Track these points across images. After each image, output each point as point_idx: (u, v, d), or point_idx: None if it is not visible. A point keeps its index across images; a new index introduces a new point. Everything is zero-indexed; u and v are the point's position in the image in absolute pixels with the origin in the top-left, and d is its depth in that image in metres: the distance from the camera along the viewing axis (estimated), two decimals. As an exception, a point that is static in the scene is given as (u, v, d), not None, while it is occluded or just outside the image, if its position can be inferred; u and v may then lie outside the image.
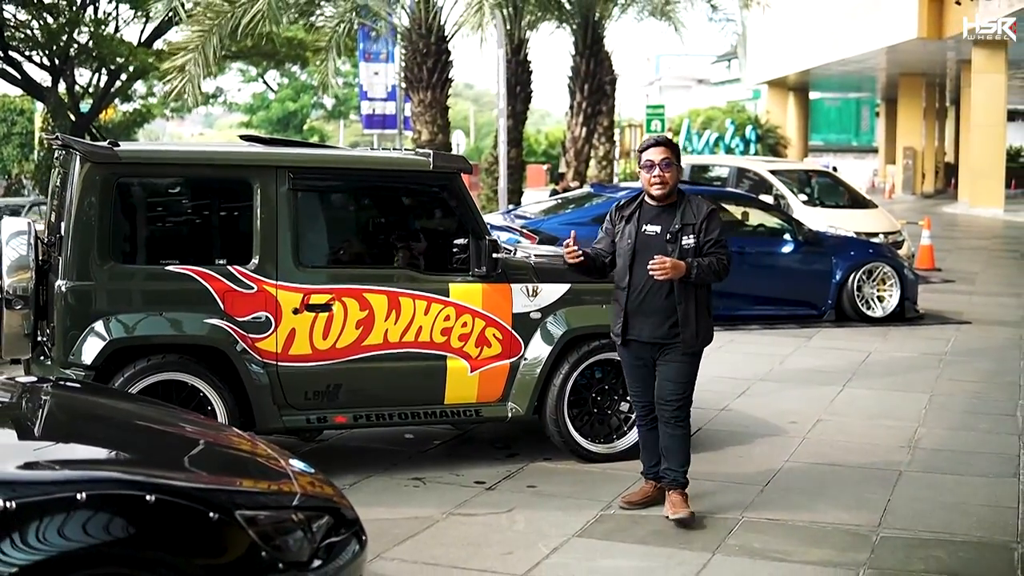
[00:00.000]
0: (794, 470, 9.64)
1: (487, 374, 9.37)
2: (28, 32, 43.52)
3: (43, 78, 45.33)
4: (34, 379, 7.22)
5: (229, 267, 8.79)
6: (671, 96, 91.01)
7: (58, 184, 9.59)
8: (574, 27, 31.64)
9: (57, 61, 43.89)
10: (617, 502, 8.52)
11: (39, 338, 9.19)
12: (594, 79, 31.60)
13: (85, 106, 46.62)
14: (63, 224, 8.74)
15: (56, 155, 10.01)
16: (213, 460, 5.61)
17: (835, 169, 34.40)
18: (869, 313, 17.67)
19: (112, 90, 46.87)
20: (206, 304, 8.71)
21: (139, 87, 53.11)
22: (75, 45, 43.16)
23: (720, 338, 15.36)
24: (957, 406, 12.15)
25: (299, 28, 28.34)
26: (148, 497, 4.68)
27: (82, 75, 46.97)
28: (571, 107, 32.02)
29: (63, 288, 8.58)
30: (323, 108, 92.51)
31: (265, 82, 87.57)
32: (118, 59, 44.11)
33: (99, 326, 8.56)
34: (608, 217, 8.51)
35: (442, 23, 27.89)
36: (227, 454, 5.74)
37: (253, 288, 8.79)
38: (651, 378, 8.31)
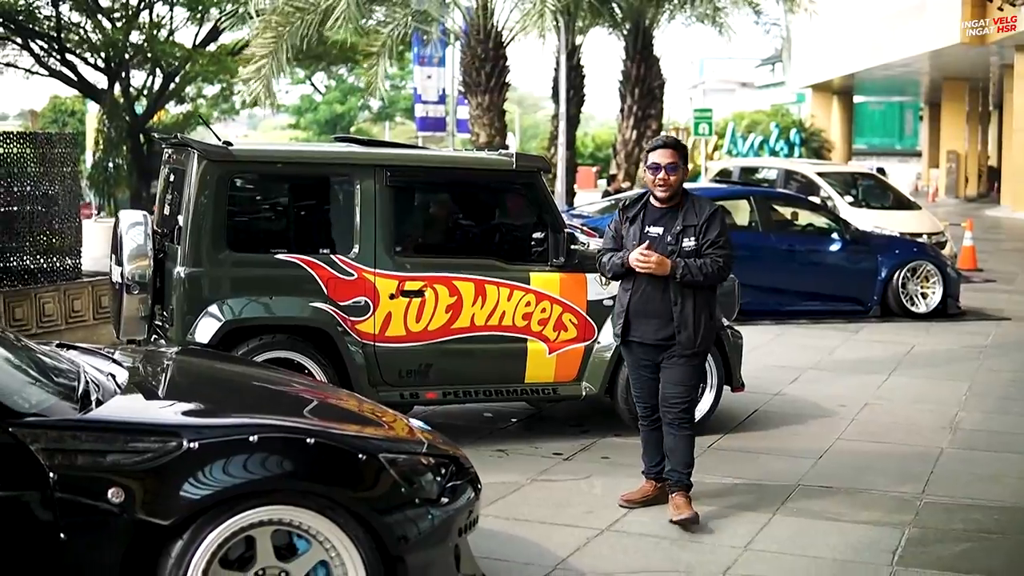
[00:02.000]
0: (844, 446, 10.48)
1: (564, 356, 10.26)
2: (82, 34, 44.50)
3: (96, 79, 46.34)
4: (176, 347, 8.19)
5: (332, 256, 9.71)
6: (714, 99, 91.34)
7: (170, 180, 10.52)
8: (625, 32, 32.42)
9: (113, 64, 44.85)
10: (618, 500, 8.59)
11: (154, 321, 10.12)
12: (644, 83, 32.33)
13: (139, 108, 47.60)
14: (181, 216, 9.65)
15: (165, 154, 10.93)
16: (351, 415, 6.52)
17: (883, 171, 35.03)
18: (913, 309, 18.42)
19: (166, 92, 47.86)
20: (311, 289, 9.63)
21: (190, 89, 54.08)
22: (130, 48, 44.10)
23: (771, 331, 16.33)
24: (994, 393, 12.96)
25: (350, 31, 29.18)
26: (308, 440, 5.60)
27: (135, 77, 47.97)
28: (621, 110, 32.76)
29: (182, 274, 9.50)
30: (369, 110, 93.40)
31: (313, 84, 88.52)
32: (173, 61, 45.08)
33: (214, 309, 9.48)
34: (613, 220, 8.56)
35: (499, 29, 28.73)
36: (359, 412, 6.64)
37: (353, 275, 9.69)
38: (654, 380, 8.36)
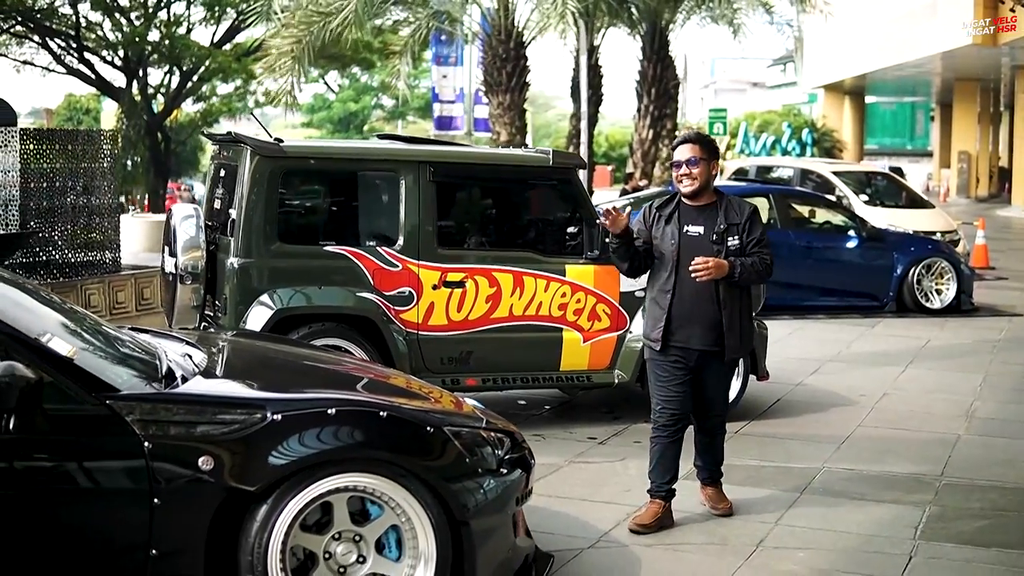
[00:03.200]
0: (865, 432, 10.94)
1: (597, 345, 10.73)
2: (100, 32, 44.98)
3: (113, 77, 46.83)
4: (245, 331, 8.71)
5: (378, 248, 10.19)
6: (725, 99, 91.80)
7: (220, 175, 11.00)
8: (642, 33, 32.85)
9: (132, 62, 45.32)
10: (627, 524, 8.07)
11: (205, 310, 10.59)
12: (660, 83, 32.76)
13: (155, 106, 48.09)
14: (234, 209, 10.13)
15: (214, 151, 11.42)
16: (409, 392, 7.00)
17: (900, 171, 35.43)
18: (927, 305, 18.87)
19: (184, 90, 48.35)
20: (358, 280, 10.11)
21: (207, 88, 54.54)
22: (149, 46, 44.56)
23: (790, 325, 16.78)
24: (1008, 384, 13.42)
25: (366, 32, 29.78)
26: (381, 413, 6.08)
27: (152, 75, 48.45)
28: (638, 110, 33.19)
29: (235, 265, 9.98)
30: (382, 108, 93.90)
31: (326, 83, 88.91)
32: (192, 60, 45.58)
33: (266, 298, 9.97)
34: (641, 217, 8.24)
35: (520, 29, 29.19)
36: (415, 390, 7.11)
37: (398, 266, 10.16)
38: (688, 387, 8.08)
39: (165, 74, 48.64)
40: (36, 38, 43.96)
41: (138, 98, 46.61)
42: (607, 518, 8.19)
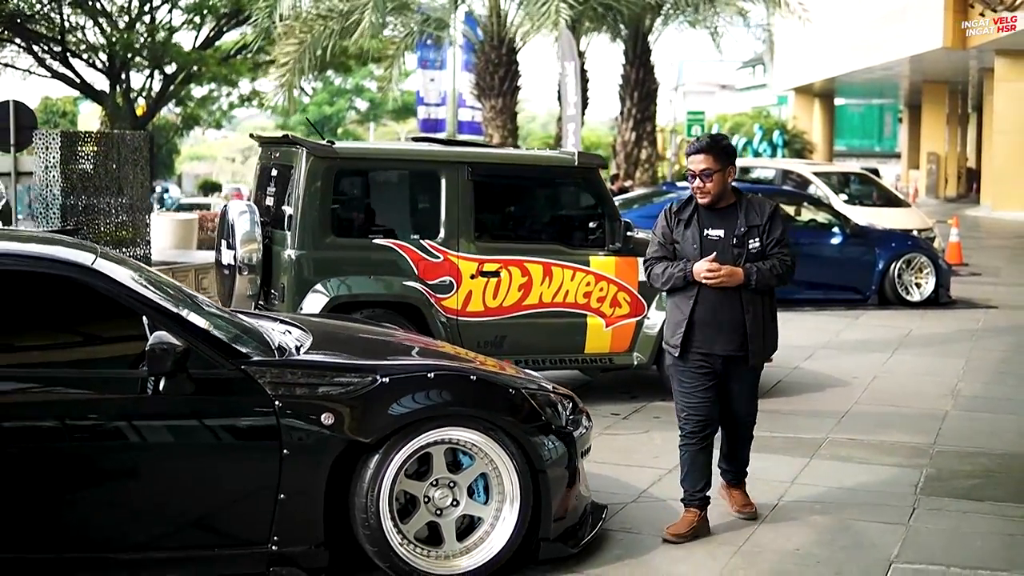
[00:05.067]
0: (861, 409, 12.02)
1: (618, 330, 11.77)
2: (82, 36, 45.69)
3: (93, 79, 47.55)
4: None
5: (421, 241, 11.22)
6: (695, 102, 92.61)
7: (271, 175, 12.00)
8: (624, 38, 33.89)
9: (116, 65, 46.05)
10: (663, 534, 7.90)
11: (259, 300, 11.57)
12: (643, 87, 33.85)
13: (137, 110, 48.82)
14: (289, 206, 11.13)
15: (265, 152, 12.41)
16: (468, 360, 8.00)
17: (876, 172, 36.58)
18: (908, 298, 19.95)
19: (167, 94, 49.17)
20: (404, 270, 11.13)
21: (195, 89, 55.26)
22: (135, 49, 45.28)
23: (780, 317, 17.65)
24: (989, 368, 14.52)
25: (375, 41, 30.83)
26: (472, 376, 7.12)
27: (134, 79, 49.17)
28: (621, 113, 34.28)
29: (292, 256, 10.98)
30: (357, 111, 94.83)
31: (301, 87, 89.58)
32: (175, 63, 46.40)
33: (320, 286, 10.97)
34: (662, 222, 8.03)
35: (512, 36, 30.21)
36: (471, 358, 8.14)
37: (440, 258, 11.19)
38: (714, 393, 7.94)
39: (147, 78, 49.39)
40: (19, 41, 44.60)
41: (120, 101, 47.32)
42: (643, 479, 9.21)
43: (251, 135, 13.95)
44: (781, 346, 14.33)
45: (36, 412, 6.41)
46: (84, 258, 6.84)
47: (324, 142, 11.33)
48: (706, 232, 7.81)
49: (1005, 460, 10.09)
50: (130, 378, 6.56)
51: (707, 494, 8.02)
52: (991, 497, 8.93)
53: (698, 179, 7.75)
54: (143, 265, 7.98)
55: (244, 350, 6.76)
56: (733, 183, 7.95)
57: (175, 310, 6.71)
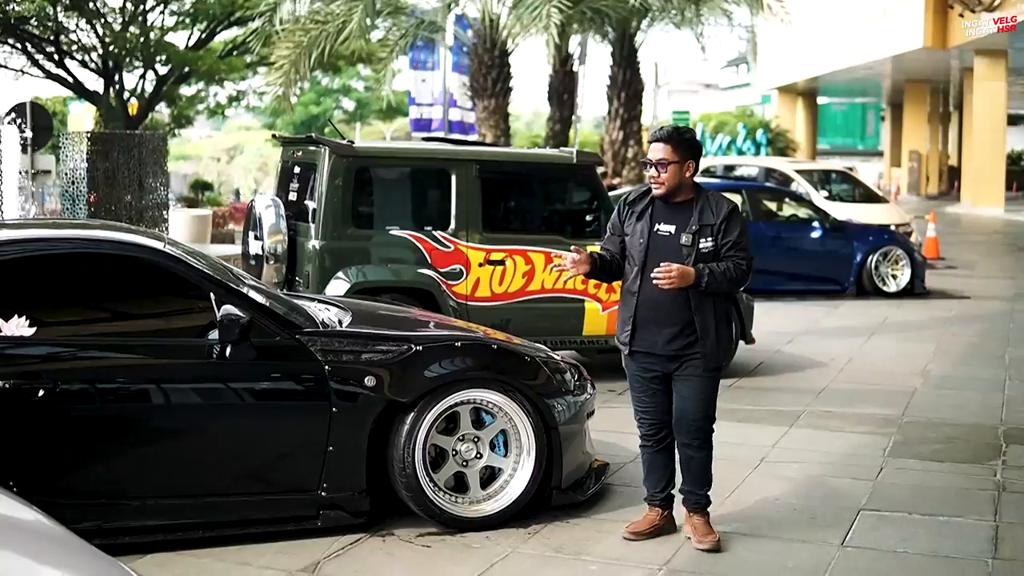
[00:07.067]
0: (837, 386, 13.10)
1: (614, 314, 12.71)
2: (75, 36, 46.35)
3: (85, 78, 48.19)
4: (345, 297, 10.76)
5: (434, 232, 12.24)
6: (678, 101, 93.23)
7: (294, 172, 13.00)
8: (611, 39, 34.77)
9: (110, 65, 46.71)
10: (622, 532, 7.94)
11: (284, 287, 12.57)
12: (630, 87, 34.66)
13: (130, 109, 49.44)
14: (312, 200, 12.15)
15: (288, 151, 13.40)
16: (500, 336, 9.05)
17: (852, 169, 37.58)
18: (884, 288, 21.04)
19: (160, 93, 49.89)
20: (418, 259, 12.16)
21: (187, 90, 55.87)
22: (125, 50, 45.96)
23: (762, 306, 18.77)
24: (957, 351, 15.61)
25: (363, 42, 31.75)
26: (494, 345, 8.19)
27: (127, 79, 49.73)
28: (609, 113, 35.08)
29: (316, 247, 11.99)
30: (343, 111, 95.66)
31: (295, 91, 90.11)
32: (170, 62, 47.14)
33: (342, 274, 11.98)
34: (616, 212, 7.86)
35: (504, 38, 31.15)
36: (484, 331, 9.16)
37: (451, 247, 12.22)
38: (664, 394, 7.70)
39: (140, 77, 50.02)
40: (12, 42, 45.17)
41: (114, 102, 47.99)
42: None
43: (273, 135, 14.95)
44: (761, 333, 15.78)
45: (120, 375, 7.41)
46: (157, 243, 7.87)
47: (345, 142, 12.33)
48: (656, 227, 7.52)
49: (966, 430, 11.15)
50: (199, 346, 7.63)
51: (671, 492, 7.93)
52: (951, 459, 10.00)
53: (654, 168, 7.45)
54: (199, 251, 8.99)
55: (297, 322, 7.79)
56: (695, 180, 7.61)
57: (238, 288, 7.73)
